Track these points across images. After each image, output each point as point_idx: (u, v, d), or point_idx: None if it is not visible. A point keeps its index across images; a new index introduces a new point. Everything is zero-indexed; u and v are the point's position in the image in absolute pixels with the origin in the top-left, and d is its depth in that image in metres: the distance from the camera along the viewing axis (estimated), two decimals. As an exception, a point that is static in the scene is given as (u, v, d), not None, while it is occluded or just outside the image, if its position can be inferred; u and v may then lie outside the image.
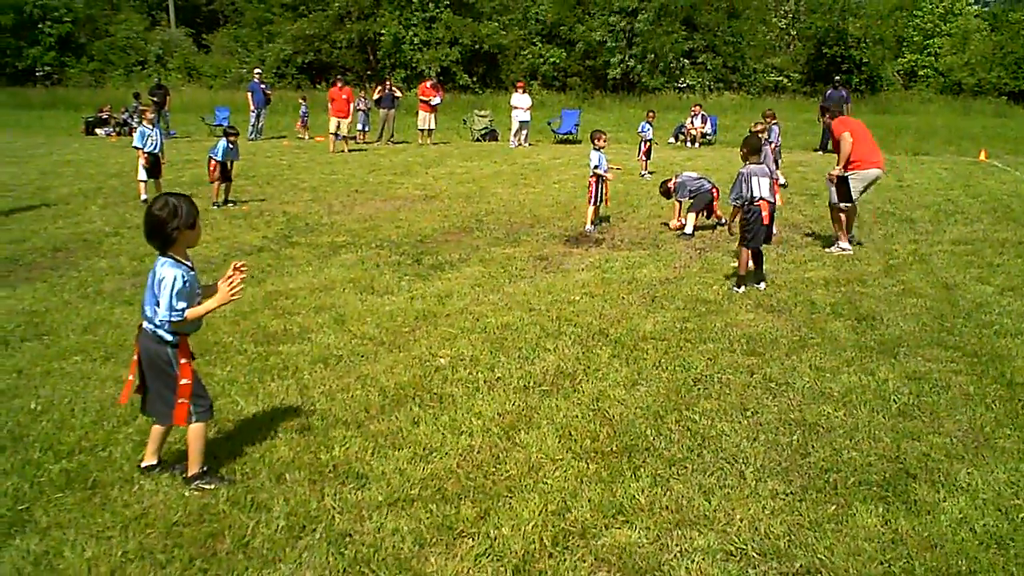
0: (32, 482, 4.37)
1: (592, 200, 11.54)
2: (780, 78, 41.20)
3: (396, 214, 12.79)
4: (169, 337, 4.17)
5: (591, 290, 8.37)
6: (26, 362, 6.21)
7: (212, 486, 4.30)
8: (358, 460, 4.65)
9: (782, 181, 10.05)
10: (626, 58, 39.07)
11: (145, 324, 4.20)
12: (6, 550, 3.77)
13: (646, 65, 38.99)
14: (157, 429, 4.42)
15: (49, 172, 17.45)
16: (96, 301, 7.89)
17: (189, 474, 4.34)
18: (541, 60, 41.98)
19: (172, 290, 4.06)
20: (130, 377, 4.35)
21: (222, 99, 35.16)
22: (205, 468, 4.38)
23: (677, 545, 3.86)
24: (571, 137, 26.40)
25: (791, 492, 4.33)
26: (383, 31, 39.83)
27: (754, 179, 8.34)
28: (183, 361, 4.22)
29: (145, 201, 13.29)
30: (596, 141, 11.59)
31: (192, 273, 4.22)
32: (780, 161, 15.01)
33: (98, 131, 27.97)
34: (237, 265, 4.28)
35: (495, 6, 42.69)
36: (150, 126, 13.77)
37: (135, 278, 8.78)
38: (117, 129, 28.01)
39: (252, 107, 26.00)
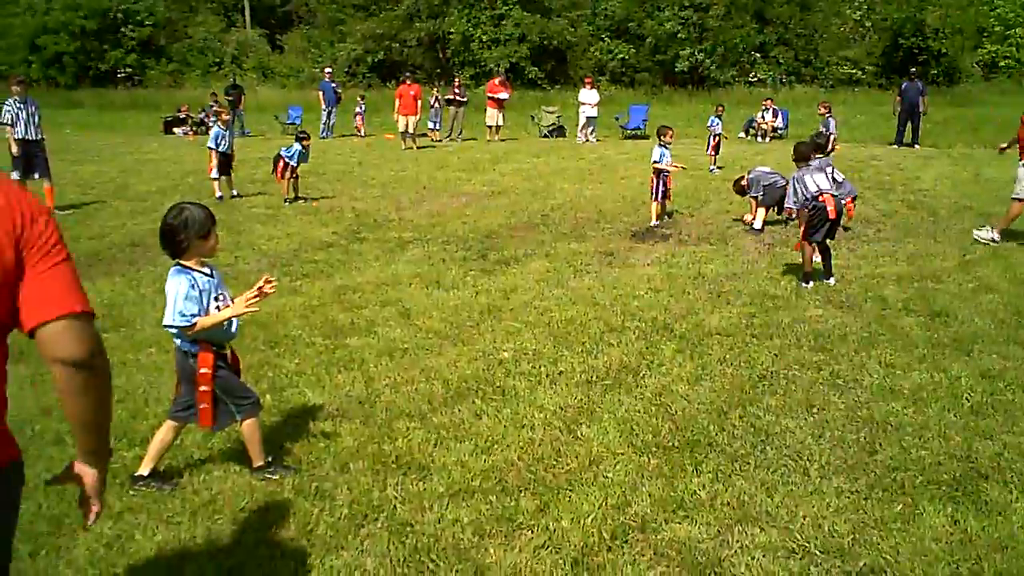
0: (107, 468, 4.52)
1: (655, 196, 11.46)
2: (854, 71, 40.16)
3: (463, 210, 12.88)
4: (187, 347, 4.20)
5: (656, 285, 8.32)
6: (105, 352, 6.43)
7: (277, 475, 4.41)
8: (420, 451, 4.71)
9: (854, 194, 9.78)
10: (695, 52, 38.61)
11: (175, 340, 4.25)
12: (81, 533, 3.92)
13: (716, 59, 38.49)
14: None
15: (129, 170, 18.01)
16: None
17: (254, 466, 4.44)
18: (609, 56, 41.69)
19: (177, 295, 4.07)
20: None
21: (295, 98, 35.75)
22: (270, 459, 4.48)
23: (738, 541, 3.83)
24: (639, 132, 26.19)
25: (857, 490, 4.26)
26: (452, 29, 40.07)
27: (807, 178, 8.21)
28: (203, 370, 4.19)
29: (220, 198, 13.64)
30: (662, 137, 11.50)
31: (209, 280, 4.20)
32: (833, 153, 14.67)
33: (176, 130, 28.74)
34: (267, 278, 4.27)
35: (564, 3, 42.56)
36: (224, 127, 14.15)
37: (209, 272, 9.02)
38: (194, 128, 28.72)
39: (324, 106, 26.45)
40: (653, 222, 11.44)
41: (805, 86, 38.39)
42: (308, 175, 15.32)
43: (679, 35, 38.79)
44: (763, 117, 24.79)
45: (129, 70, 44.60)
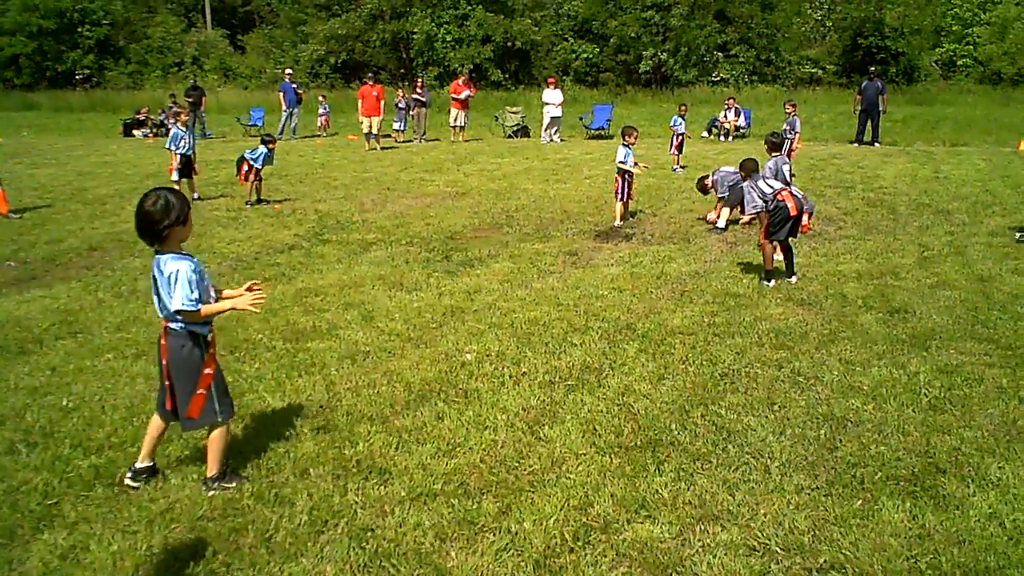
0: (62, 477, 4.45)
1: (619, 196, 11.49)
2: (815, 70, 40.63)
3: (427, 211, 12.83)
4: (184, 330, 4.13)
5: (620, 285, 8.34)
6: (59, 360, 6.33)
7: (232, 485, 4.33)
8: (382, 456, 4.68)
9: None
10: (659, 52, 38.84)
11: (171, 325, 4.13)
12: (34, 544, 3.85)
13: (679, 59, 38.74)
14: (156, 425, 4.38)
15: (87, 173, 17.73)
16: (129, 300, 8.01)
17: (209, 475, 4.33)
18: (573, 56, 41.84)
19: (183, 279, 3.99)
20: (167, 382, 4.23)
21: (257, 99, 35.48)
22: (224, 470, 4.38)
23: (700, 540, 3.84)
24: (603, 132, 26.28)
25: (817, 487, 4.29)
26: (415, 30, 39.96)
27: (761, 182, 8.33)
28: (211, 351, 4.21)
29: None
30: (626, 137, 11.53)
31: (201, 266, 4.16)
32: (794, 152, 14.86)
33: (135, 132, 28.34)
34: (254, 283, 4.30)
35: (527, 3, 42.62)
36: (183, 128, 13.96)
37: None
38: (154, 130, 28.34)
39: (284, 107, 26.27)
40: (617, 222, 11.46)
41: (767, 85, 38.78)
42: (271, 177, 15.19)
43: (642, 37, 39.01)
44: (726, 116, 24.99)
45: (87, 71, 43.93)
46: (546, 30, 42.22)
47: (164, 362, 4.20)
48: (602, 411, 5.27)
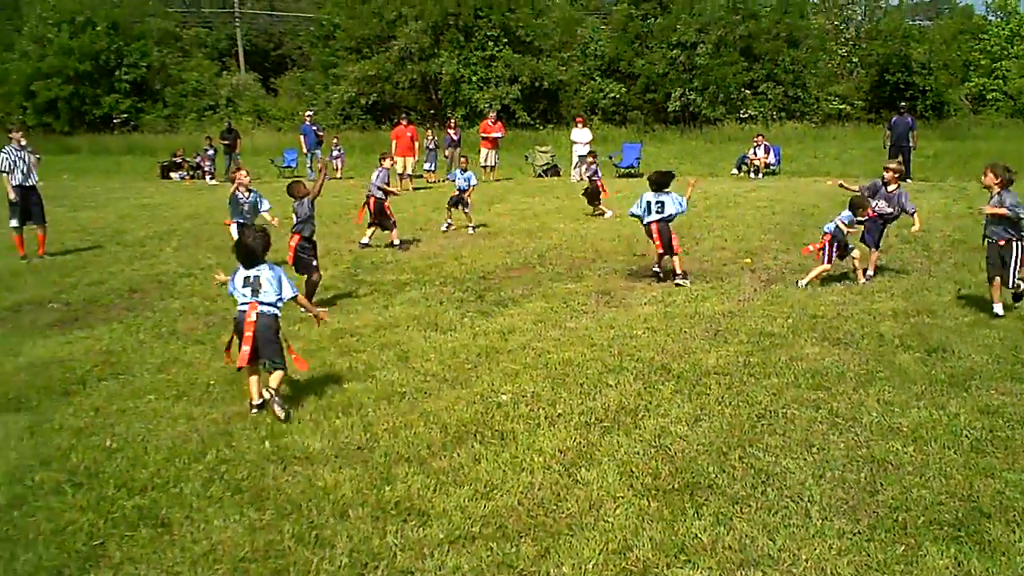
0: (107, 518, 4.52)
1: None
2: (843, 106, 40.63)
3: (459, 251, 12.93)
4: (278, 312, 6.17)
5: (653, 324, 8.34)
6: (102, 400, 6.44)
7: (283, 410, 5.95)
8: (420, 497, 4.70)
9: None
10: (686, 90, 39.05)
11: (263, 308, 6.05)
12: (82, 586, 3.90)
13: (707, 96, 38.91)
14: (256, 379, 6.14)
15: (126, 216, 18.07)
16: (169, 341, 8.14)
17: (272, 389, 6.02)
18: (601, 95, 42.16)
19: (287, 278, 6.23)
20: (245, 348, 5.96)
21: (290, 141, 35.97)
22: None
23: (741, 585, 3.81)
24: (632, 171, 26.37)
25: (858, 532, 4.25)
26: (443, 71, 40.47)
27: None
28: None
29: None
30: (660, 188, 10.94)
31: None
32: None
33: (172, 175, 28.89)
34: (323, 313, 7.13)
35: (554, 43, 43.05)
36: (245, 192, 11.57)
37: (207, 317, 9.05)
38: (191, 173, 28.88)
39: (305, 149, 26.70)
40: (655, 267, 11.28)
41: (796, 122, 38.77)
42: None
43: (669, 75, 39.26)
44: (755, 153, 24.98)
45: (124, 115, 44.87)
46: (573, 70, 42.59)
47: (251, 333, 5.98)
48: (638, 453, 5.26)
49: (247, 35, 58.52)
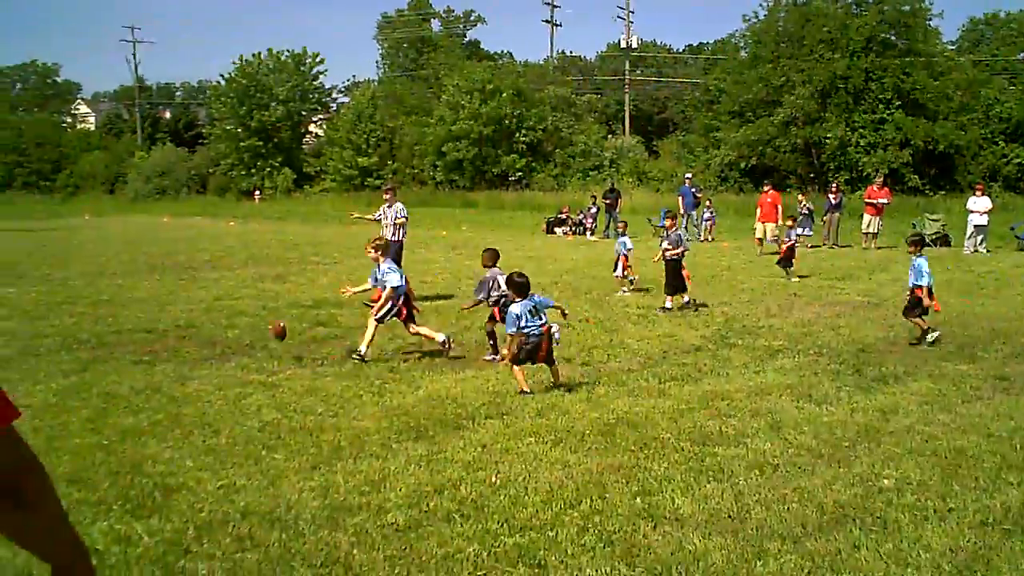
0: (490, 551, 4.86)
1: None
2: None
3: (836, 320, 12.37)
4: None
5: (1066, 420, 7.35)
6: (489, 438, 6.98)
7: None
8: (794, 577, 4.54)
9: None
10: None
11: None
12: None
13: None
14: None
15: (513, 266, 19.27)
16: (550, 388, 8.66)
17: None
18: (1004, 160, 38.27)
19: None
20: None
21: (667, 201, 36.88)
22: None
23: None
24: (1045, 244, 23.55)
25: None
26: (829, 135, 39.15)
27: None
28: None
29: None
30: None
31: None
32: None
33: (556, 230, 30.84)
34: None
35: (952, 106, 39.87)
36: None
37: (583, 368, 9.52)
38: (573, 228, 30.63)
39: (682, 210, 27.09)
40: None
41: None
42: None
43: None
44: None
45: (519, 173, 48.91)
46: (973, 133, 39.10)
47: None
48: (1046, 565, 4.66)
49: (634, 100, 61.21)
